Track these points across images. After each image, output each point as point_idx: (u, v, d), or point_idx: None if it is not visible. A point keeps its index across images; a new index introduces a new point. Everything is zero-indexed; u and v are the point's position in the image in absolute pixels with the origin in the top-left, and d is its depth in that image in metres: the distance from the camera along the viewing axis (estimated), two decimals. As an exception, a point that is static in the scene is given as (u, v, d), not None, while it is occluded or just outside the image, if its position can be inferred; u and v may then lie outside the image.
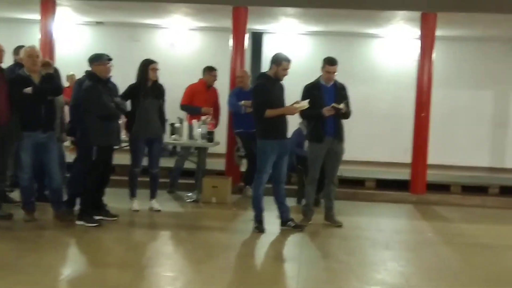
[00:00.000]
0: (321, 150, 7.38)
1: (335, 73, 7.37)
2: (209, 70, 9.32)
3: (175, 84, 9.43)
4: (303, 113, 7.40)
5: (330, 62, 7.35)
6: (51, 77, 7.10)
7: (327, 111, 7.17)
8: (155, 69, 7.83)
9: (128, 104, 7.67)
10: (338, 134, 7.40)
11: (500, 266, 6.19)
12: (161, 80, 8.03)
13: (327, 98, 7.27)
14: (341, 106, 7.17)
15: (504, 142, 13.21)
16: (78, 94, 7.28)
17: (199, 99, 9.15)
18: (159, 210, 7.97)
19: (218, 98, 9.53)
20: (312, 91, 7.33)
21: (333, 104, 7.16)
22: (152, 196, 8.08)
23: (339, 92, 7.37)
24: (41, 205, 7.41)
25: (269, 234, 6.99)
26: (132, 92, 7.78)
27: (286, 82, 7.16)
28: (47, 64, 7.77)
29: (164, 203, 8.41)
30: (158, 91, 7.90)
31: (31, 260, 5.56)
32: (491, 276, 5.79)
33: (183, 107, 9.24)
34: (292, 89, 7.44)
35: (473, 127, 13.10)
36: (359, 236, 7.19)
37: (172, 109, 9.07)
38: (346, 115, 7.38)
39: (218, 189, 8.73)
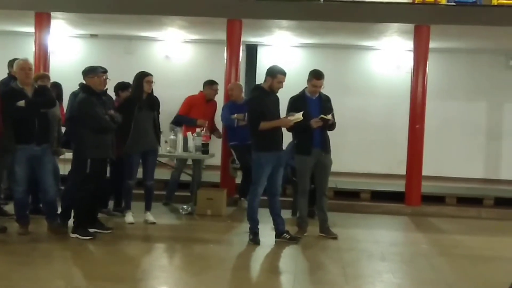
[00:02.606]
0: (309, 162, 7.40)
1: (322, 87, 7.39)
2: (210, 84, 9.29)
3: (169, 97, 9.46)
4: (290, 126, 7.42)
5: (316, 76, 7.38)
6: (44, 90, 7.10)
7: (315, 122, 7.20)
8: (150, 82, 7.84)
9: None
10: (324, 146, 7.44)
11: (495, 277, 6.17)
12: (156, 93, 8.04)
13: (313, 110, 7.31)
14: (329, 117, 7.21)
15: (499, 153, 13.23)
16: (73, 107, 7.29)
17: (196, 111, 9.13)
18: (154, 223, 7.95)
19: (215, 112, 9.52)
20: (297, 103, 7.36)
21: (322, 116, 7.19)
22: (147, 208, 8.06)
23: (324, 104, 7.41)
24: (35, 218, 7.39)
25: (264, 247, 6.98)
26: (126, 104, 7.78)
27: (280, 94, 7.18)
28: (44, 77, 7.80)
29: (159, 216, 8.39)
30: (152, 103, 7.90)
31: (24, 274, 5.53)
32: (486, 288, 5.79)
33: (179, 117, 9.23)
34: (287, 101, 7.45)
35: (467, 138, 13.12)
36: (354, 248, 7.18)
37: (167, 122, 9.10)
38: (332, 126, 7.42)
39: (213, 201, 8.72)
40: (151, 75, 7.90)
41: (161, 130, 8.17)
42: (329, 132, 7.53)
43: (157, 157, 8.25)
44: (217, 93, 9.34)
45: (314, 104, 7.39)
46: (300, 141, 7.48)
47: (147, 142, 7.82)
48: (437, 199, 10.20)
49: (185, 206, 8.83)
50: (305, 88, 7.50)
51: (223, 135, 9.59)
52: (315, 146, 7.37)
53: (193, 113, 9.10)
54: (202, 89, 9.37)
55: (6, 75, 8.11)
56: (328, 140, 7.50)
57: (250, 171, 7.27)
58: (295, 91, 7.60)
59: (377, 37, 11.68)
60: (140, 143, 7.74)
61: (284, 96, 7.34)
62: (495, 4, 9.81)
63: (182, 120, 9.16)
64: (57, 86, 8.19)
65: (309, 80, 7.42)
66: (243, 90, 9.48)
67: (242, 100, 8.98)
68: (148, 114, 7.82)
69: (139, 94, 7.78)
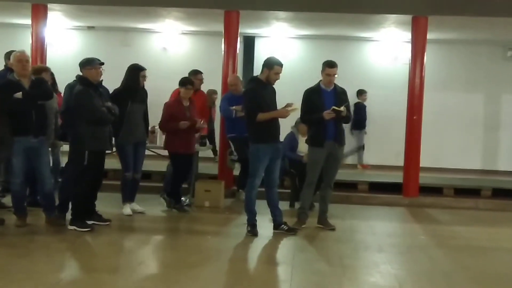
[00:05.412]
0: (322, 154, 7.36)
1: (335, 76, 7.36)
2: (195, 74, 9.26)
3: (167, 89, 9.42)
4: (304, 118, 7.42)
5: (329, 64, 7.35)
6: (41, 82, 7.08)
7: (327, 114, 7.16)
8: (145, 76, 7.86)
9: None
10: (338, 138, 7.40)
11: (492, 268, 6.20)
12: (153, 85, 8.04)
13: (327, 102, 7.27)
14: (342, 109, 7.18)
15: (496, 144, 13.26)
16: (69, 99, 7.27)
17: None
18: (143, 212, 7.99)
19: (206, 101, 9.48)
20: (312, 95, 7.34)
21: (334, 107, 7.16)
22: (132, 199, 8.08)
23: (339, 96, 7.37)
24: (33, 210, 7.39)
25: (262, 238, 6.99)
26: (119, 96, 7.75)
27: (277, 85, 7.17)
28: (44, 70, 7.78)
29: (157, 208, 8.40)
30: (144, 96, 7.94)
31: (22, 266, 5.53)
32: (483, 278, 5.80)
33: None
34: (284, 92, 7.44)
35: (465, 129, 13.15)
36: (352, 239, 7.20)
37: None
38: (347, 118, 7.39)
39: (211, 193, 8.72)
40: (146, 69, 7.91)
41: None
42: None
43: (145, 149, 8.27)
44: (202, 82, 9.32)
45: (329, 96, 7.34)
46: (313, 133, 7.46)
47: (138, 134, 7.87)
48: (434, 190, 10.23)
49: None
50: (320, 80, 7.46)
51: (221, 126, 9.57)
52: (328, 138, 7.33)
53: None
54: None
55: (2, 67, 8.08)
56: (343, 133, 7.47)
57: (248, 163, 7.26)
58: (293, 82, 7.59)
59: (375, 28, 11.67)
60: (132, 135, 7.77)
61: (282, 87, 7.32)
62: (493, -5, 9.80)
63: None
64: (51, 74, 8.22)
65: (322, 70, 7.38)
66: (242, 81, 9.45)
67: (240, 92, 8.96)
68: (139, 107, 7.86)
69: (133, 86, 7.78)
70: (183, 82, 8.37)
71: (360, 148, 12.96)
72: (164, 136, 8.69)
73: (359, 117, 12.68)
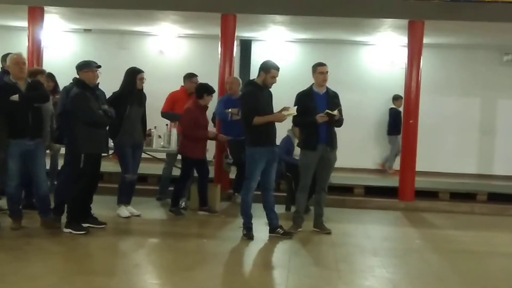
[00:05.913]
0: (314, 157, 7.36)
1: (328, 73, 7.37)
2: (190, 77, 9.24)
3: (163, 92, 9.43)
4: (297, 121, 7.42)
5: (320, 64, 7.40)
6: (38, 84, 7.07)
7: (320, 117, 7.17)
8: (143, 79, 7.86)
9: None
10: (331, 142, 7.40)
11: (487, 272, 6.21)
12: (150, 88, 8.03)
13: (320, 106, 7.28)
14: (335, 112, 7.18)
15: (492, 148, 13.28)
16: (66, 102, 7.27)
17: (180, 106, 9.02)
18: (138, 215, 7.99)
19: None
20: (304, 98, 7.34)
21: (327, 111, 7.16)
22: (128, 202, 8.07)
23: (332, 100, 7.38)
24: (29, 212, 7.37)
25: (258, 242, 6.99)
26: (117, 99, 7.75)
27: (274, 89, 7.18)
28: (40, 72, 7.78)
29: (153, 211, 8.39)
30: (142, 99, 7.95)
31: (17, 269, 5.52)
32: (478, 283, 5.81)
33: (164, 114, 9.16)
34: (280, 96, 7.44)
35: (461, 134, 13.17)
36: (347, 243, 7.20)
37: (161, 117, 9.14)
38: (339, 122, 7.39)
39: (206, 197, 8.71)
40: (143, 72, 7.90)
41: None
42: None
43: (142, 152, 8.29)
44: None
45: (322, 100, 7.35)
46: (306, 136, 7.46)
47: (136, 137, 7.90)
48: (430, 194, 10.23)
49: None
50: (312, 84, 7.47)
51: (217, 129, 9.57)
52: (320, 142, 7.33)
53: (177, 109, 8.94)
54: (183, 84, 9.33)
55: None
56: (335, 136, 7.46)
57: (244, 166, 7.26)
58: (289, 86, 7.59)
59: (371, 32, 11.69)
60: (130, 137, 7.80)
61: (278, 91, 7.32)
62: (489, 0, 9.82)
63: (167, 117, 9.12)
64: (52, 77, 8.26)
65: (314, 72, 7.39)
66: (240, 84, 9.46)
67: (238, 95, 8.97)
68: (138, 110, 7.88)
69: (131, 90, 7.79)
70: (209, 89, 8.33)
71: (398, 153, 12.94)
72: (163, 140, 8.69)
73: (395, 122, 12.58)
